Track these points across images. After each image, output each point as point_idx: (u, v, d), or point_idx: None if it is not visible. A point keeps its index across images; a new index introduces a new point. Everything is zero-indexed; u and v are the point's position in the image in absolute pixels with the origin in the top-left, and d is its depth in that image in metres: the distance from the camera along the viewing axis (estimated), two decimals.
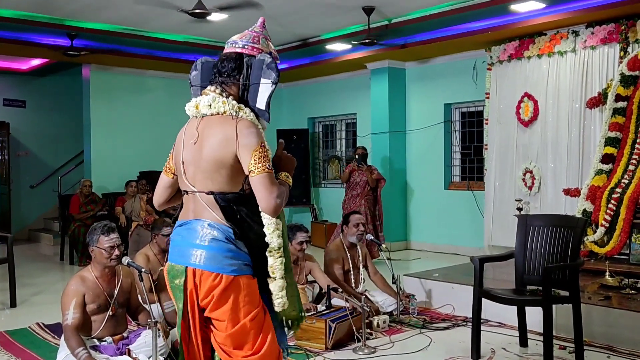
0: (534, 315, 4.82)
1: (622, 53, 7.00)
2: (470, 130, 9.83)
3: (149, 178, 10.00)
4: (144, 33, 9.00)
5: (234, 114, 2.51)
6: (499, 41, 8.37)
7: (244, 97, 2.58)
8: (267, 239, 2.50)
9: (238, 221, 2.49)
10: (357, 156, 8.89)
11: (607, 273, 5.65)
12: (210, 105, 2.53)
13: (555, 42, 7.72)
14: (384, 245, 6.15)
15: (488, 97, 8.58)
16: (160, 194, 2.79)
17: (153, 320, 3.99)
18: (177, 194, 2.78)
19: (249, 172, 2.43)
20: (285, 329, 2.66)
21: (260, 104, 2.54)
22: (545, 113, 7.83)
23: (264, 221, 2.49)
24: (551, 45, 7.76)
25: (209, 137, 2.50)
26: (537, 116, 7.91)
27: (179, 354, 2.59)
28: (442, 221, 9.87)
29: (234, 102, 2.53)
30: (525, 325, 4.82)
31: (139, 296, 4.49)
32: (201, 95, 2.62)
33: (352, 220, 5.66)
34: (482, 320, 4.68)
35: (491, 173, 8.52)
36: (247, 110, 2.54)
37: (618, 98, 6.63)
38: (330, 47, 9.55)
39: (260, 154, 2.42)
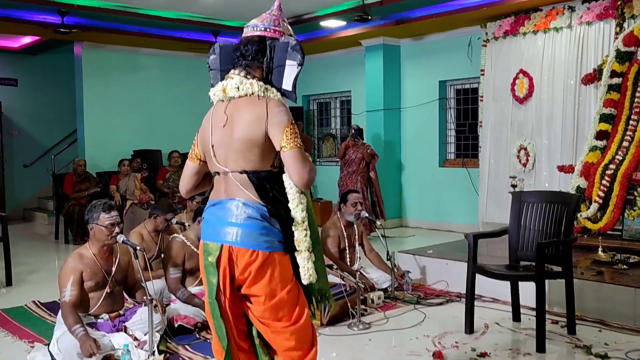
0: (527, 291, 4.85)
1: (617, 29, 6.97)
2: (465, 107, 9.82)
3: (143, 156, 9.98)
4: (137, 10, 8.89)
5: (262, 94, 2.58)
6: (494, 17, 8.32)
7: (268, 79, 2.65)
8: (292, 214, 2.59)
9: (271, 199, 2.57)
10: (353, 131, 8.88)
11: (600, 249, 5.69)
12: (238, 88, 2.60)
13: (550, 18, 7.69)
14: (378, 222, 6.16)
15: (483, 74, 8.56)
16: (187, 181, 2.85)
17: (149, 298, 4.01)
18: (203, 180, 2.86)
19: (281, 147, 2.51)
20: (315, 304, 2.74)
21: (287, 85, 2.62)
22: (540, 90, 7.82)
23: (289, 196, 2.58)
24: (547, 21, 7.72)
25: (239, 118, 2.58)
26: (532, 93, 7.89)
27: (218, 327, 2.63)
28: (436, 198, 9.89)
29: (261, 83, 2.61)
30: (518, 301, 4.86)
31: (136, 274, 4.51)
32: (225, 79, 2.68)
33: (350, 199, 5.66)
34: (475, 296, 4.72)
35: (486, 150, 8.52)
36: (274, 90, 2.62)
37: (613, 74, 6.62)
38: (324, 23, 9.48)
39: (291, 131, 2.52)
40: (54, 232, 9.55)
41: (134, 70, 10.87)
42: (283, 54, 2.61)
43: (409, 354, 4.20)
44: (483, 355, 4.11)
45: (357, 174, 8.74)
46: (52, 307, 5.35)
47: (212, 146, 2.65)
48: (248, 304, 2.64)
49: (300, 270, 2.62)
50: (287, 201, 2.60)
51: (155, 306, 4.16)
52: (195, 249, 5.00)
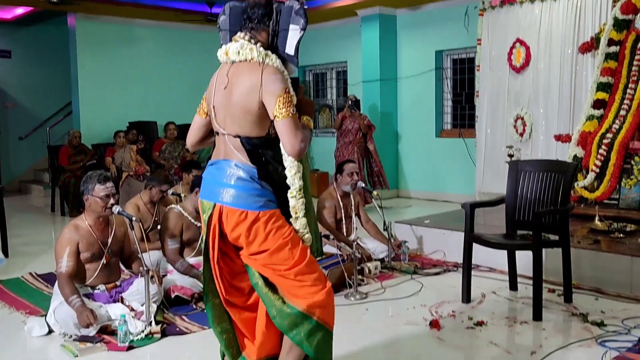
0: (524, 260, 4.86)
1: None
2: (461, 77, 9.75)
3: (139, 128, 9.92)
4: None
5: (261, 60, 2.59)
6: None
7: (274, 43, 2.68)
8: (288, 181, 2.64)
9: (263, 163, 2.63)
10: (350, 102, 8.82)
11: (597, 218, 5.70)
12: (239, 52, 2.63)
13: None
14: (375, 192, 6.15)
15: (480, 44, 8.46)
16: (193, 134, 2.90)
17: (145, 268, 4.01)
18: (209, 134, 2.89)
19: (274, 117, 2.54)
20: None
21: (290, 49, 2.64)
22: (537, 59, 7.75)
23: (286, 164, 2.63)
24: None
25: (237, 83, 2.62)
26: (529, 62, 7.82)
27: (208, 280, 2.74)
28: (433, 169, 9.88)
29: (262, 49, 2.62)
30: (515, 270, 4.88)
31: (132, 245, 4.49)
32: (231, 41, 2.70)
33: (346, 169, 5.63)
34: (472, 266, 4.72)
35: (482, 120, 8.47)
36: (273, 57, 2.62)
37: (610, 42, 6.56)
38: None
39: (284, 100, 2.53)
40: (50, 204, 9.54)
41: (129, 41, 10.75)
42: (287, 18, 2.63)
43: (406, 324, 4.21)
44: (480, 324, 4.13)
45: (353, 144, 8.71)
46: (49, 279, 5.35)
47: (214, 107, 2.71)
48: (251, 257, 2.68)
49: (299, 236, 2.69)
50: (282, 166, 2.64)
51: (152, 277, 4.16)
52: (193, 220, 4.99)
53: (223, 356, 2.88)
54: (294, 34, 2.63)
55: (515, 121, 7.99)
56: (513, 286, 4.89)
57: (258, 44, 2.63)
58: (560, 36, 7.47)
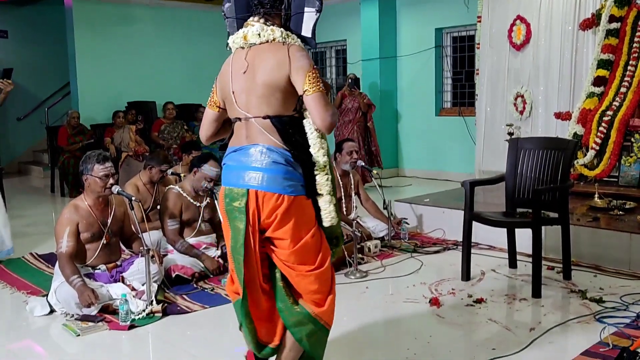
0: (524, 238, 4.87)
1: None
2: (461, 55, 9.70)
3: (138, 108, 9.88)
4: None
5: (284, 40, 2.61)
6: None
7: (287, 26, 2.69)
8: (314, 158, 2.63)
9: (294, 143, 2.61)
10: (349, 80, 8.78)
11: (597, 195, 5.70)
12: (260, 35, 2.62)
13: None
14: (375, 171, 6.14)
15: (480, 21, 8.40)
16: (207, 128, 2.88)
17: (145, 248, 4.01)
18: (223, 127, 2.89)
19: (304, 91, 2.54)
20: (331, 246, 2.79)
21: (306, 31, 2.68)
22: (538, 36, 7.70)
23: (310, 141, 2.63)
24: None
25: (260, 63, 2.60)
26: (530, 39, 7.77)
27: (239, 270, 2.68)
28: (433, 147, 9.87)
29: (282, 29, 2.64)
30: (514, 247, 4.89)
31: (133, 225, 4.50)
32: (244, 26, 2.69)
33: (345, 148, 5.62)
34: (472, 244, 4.73)
35: (482, 98, 8.44)
36: (294, 36, 2.66)
37: (612, 19, 6.51)
38: None
39: (314, 75, 2.55)
40: (50, 185, 9.53)
41: (126, 21, 10.66)
42: (301, 1, 2.67)
43: (405, 301, 4.23)
44: (479, 301, 4.15)
45: (353, 123, 8.69)
46: (50, 259, 5.36)
47: (233, 92, 2.68)
48: (273, 247, 2.68)
49: (322, 213, 2.68)
50: (308, 146, 2.64)
51: (152, 257, 4.17)
52: (192, 200, 4.99)
53: (240, 326, 2.87)
54: (309, 16, 2.66)
55: (515, 99, 7.96)
56: (512, 264, 4.91)
57: (275, 26, 2.64)
58: (561, 13, 7.42)
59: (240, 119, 2.68)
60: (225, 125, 2.87)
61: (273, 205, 2.58)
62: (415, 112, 10.07)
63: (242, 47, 2.69)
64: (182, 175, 5.82)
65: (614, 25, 6.48)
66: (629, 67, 6.32)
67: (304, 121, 2.64)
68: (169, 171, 5.96)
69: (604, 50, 6.53)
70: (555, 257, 4.91)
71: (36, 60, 12.12)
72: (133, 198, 4.19)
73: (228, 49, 2.77)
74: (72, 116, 9.10)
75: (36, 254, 5.65)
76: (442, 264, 5.12)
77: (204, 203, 5.07)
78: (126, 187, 5.32)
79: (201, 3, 10.75)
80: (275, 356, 2.86)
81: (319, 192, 2.66)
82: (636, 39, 6.33)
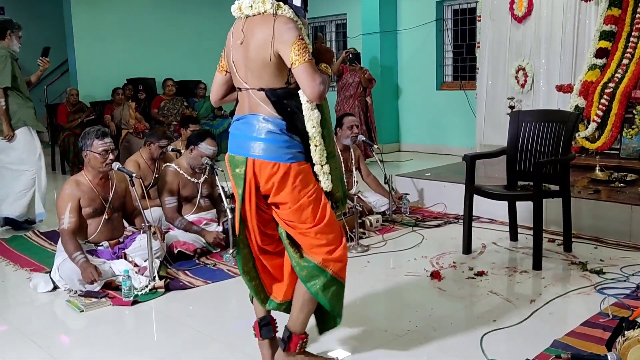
0: (525, 210, 4.88)
1: None
2: (462, 28, 9.62)
3: (137, 85, 9.84)
4: None
5: (274, 12, 2.64)
6: None
7: None
8: (307, 129, 2.70)
9: (289, 114, 2.68)
10: (349, 55, 8.70)
11: (598, 168, 5.69)
12: (252, 6, 2.67)
13: None
14: (375, 146, 6.13)
15: None
16: (216, 91, 2.96)
17: (147, 225, 4.02)
18: (232, 90, 2.94)
19: (291, 63, 2.57)
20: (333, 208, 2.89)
21: (296, 0, 2.69)
22: (540, 8, 7.61)
23: (304, 112, 2.68)
24: None
25: (252, 37, 2.66)
26: (531, 11, 7.69)
27: (240, 231, 2.83)
28: (434, 122, 9.83)
29: (273, 0, 2.66)
30: (515, 220, 4.90)
31: (134, 202, 4.50)
32: None
33: (345, 123, 5.60)
34: (473, 217, 4.74)
35: (483, 72, 8.38)
36: (285, 7, 2.67)
37: None
38: None
39: (299, 46, 2.56)
40: (51, 163, 9.53)
41: None
42: None
43: (407, 275, 4.25)
44: (480, 274, 4.16)
45: (354, 98, 8.65)
46: (52, 236, 5.38)
47: (234, 62, 2.75)
48: (275, 209, 2.79)
49: (320, 178, 2.77)
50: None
51: (154, 233, 4.18)
52: (189, 177, 4.99)
53: (252, 299, 3.00)
54: None
55: (517, 72, 7.90)
56: (513, 237, 4.92)
57: None
58: None
59: (241, 89, 2.76)
60: (234, 89, 2.93)
61: (269, 173, 2.68)
62: (416, 86, 10.02)
63: (241, 17, 2.74)
64: (182, 151, 5.82)
65: None
66: (631, 39, 6.26)
67: (299, 92, 2.67)
68: (170, 147, 5.95)
69: (606, 21, 6.47)
70: (556, 230, 4.92)
71: (33, 37, 11.95)
72: (134, 175, 4.19)
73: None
74: (71, 93, 9.07)
75: (38, 231, 5.67)
76: (443, 237, 5.13)
77: (202, 179, 5.07)
78: (127, 164, 5.32)
79: None
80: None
81: (315, 161, 2.73)
82: (639, 10, 6.26)
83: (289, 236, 2.80)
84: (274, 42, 2.59)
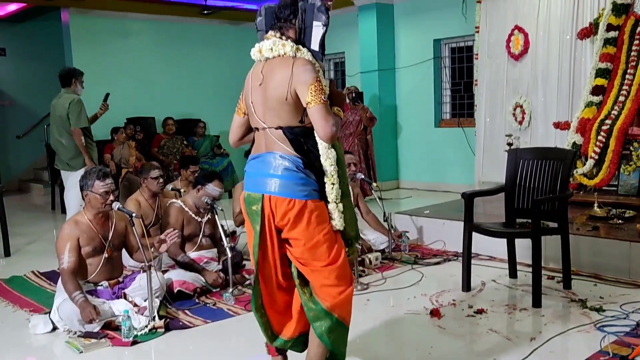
0: (524, 248, 4.89)
1: None
2: (460, 66, 9.74)
3: (137, 124, 9.91)
4: None
5: (293, 54, 2.76)
6: None
7: (301, 39, 2.83)
8: (323, 167, 2.81)
9: (305, 152, 2.79)
10: (353, 94, 8.77)
11: (596, 204, 5.71)
12: (272, 49, 2.79)
13: None
14: (375, 184, 6.16)
15: (478, 31, 8.45)
16: (235, 133, 3.07)
17: (147, 264, 4.02)
18: (250, 130, 3.04)
19: (307, 103, 2.69)
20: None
21: (314, 45, 2.81)
22: (536, 46, 7.74)
23: (320, 151, 2.80)
24: None
25: (271, 77, 2.78)
26: (528, 49, 7.81)
27: (255, 268, 2.89)
28: (432, 159, 9.88)
29: (293, 43, 2.78)
30: (514, 258, 4.90)
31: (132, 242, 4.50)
32: (263, 40, 2.87)
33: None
34: (472, 255, 4.74)
35: (481, 109, 8.47)
36: (304, 50, 2.79)
37: (609, 28, 6.54)
38: None
39: (316, 87, 2.68)
40: (50, 202, 9.56)
41: (123, 36, 10.72)
42: (310, 15, 2.80)
43: (407, 313, 4.24)
44: (480, 311, 4.15)
45: (354, 136, 8.71)
46: (52, 277, 5.37)
47: (252, 103, 2.86)
48: (288, 246, 2.86)
49: (332, 219, 2.84)
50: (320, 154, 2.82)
51: (151, 266, 4.13)
52: (193, 215, 5.02)
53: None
54: (317, 30, 2.79)
55: (515, 109, 7.99)
56: (513, 274, 4.92)
57: (288, 40, 2.79)
58: (559, 22, 7.46)
59: (258, 129, 2.87)
60: (251, 130, 3.03)
61: (285, 209, 2.76)
62: (415, 123, 10.10)
63: (260, 60, 2.87)
64: (182, 190, 5.84)
65: (612, 34, 6.52)
66: (627, 76, 6.34)
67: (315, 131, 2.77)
68: (169, 186, 5.98)
69: (602, 59, 6.56)
70: (555, 267, 4.92)
71: (34, 77, 12.15)
72: (133, 214, 4.21)
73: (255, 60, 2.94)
74: None
75: (38, 271, 5.66)
76: (442, 275, 5.13)
77: (205, 218, 5.10)
78: (128, 203, 5.35)
79: (198, 17, 10.80)
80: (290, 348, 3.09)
81: (329, 198, 2.81)
82: (634, 48, 6.35)
83: (299, 275, 2.86)
84: (292, 81, 2.70)
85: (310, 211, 2.76)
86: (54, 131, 6.42)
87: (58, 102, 6.39)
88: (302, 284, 2.87)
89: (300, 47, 2.78)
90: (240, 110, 3.01)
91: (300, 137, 2.78)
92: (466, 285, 4.64)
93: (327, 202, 2.82)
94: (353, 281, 2.91)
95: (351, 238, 2.95)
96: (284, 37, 2.80)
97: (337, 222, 2.83)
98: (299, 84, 2.69)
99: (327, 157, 2.79)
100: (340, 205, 2.83)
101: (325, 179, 2.81)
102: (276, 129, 2.78)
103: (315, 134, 2.76)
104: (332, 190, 2.80)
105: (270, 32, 2.85)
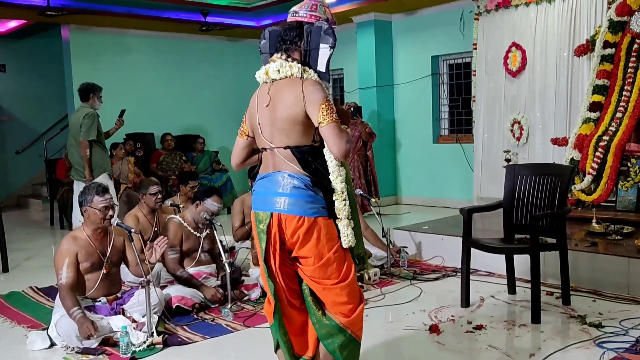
0: (522, 263, 4.88)
1: None
2: (458, 82, 9.79)
3: (136, 140, 9.93)
4: None
5: (301, 75, 2.83)
6: None
7: (306, 61, 2.90)
8: (332, 185, 2.86)
9: (313, 170, 2.84)
10: (351, 109, 8.81)
11: (594, 220, 5.72)
12: (279, 70, 2.85)
13: None
14: (373, 200, 6.17)
15: (475, 48, 8.50)
16: (238, 155, 3.12)
17: (145, 280, 4.02)
18: (251, 153, 3.12)
19: (319, 123, 2.74)
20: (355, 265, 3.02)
21: (321, 66, 2.88)
22: (533, 63, 7.78)
23: (329, 169, 2.85)
24: None
25: (280, 98, 2.83)
26: (525, 66, 7.85)
27: (269, 286, 2.91)
28: (431, 175, 9.90)
29: (299, 65, 2.85)
30: (513, 273, 4.89)
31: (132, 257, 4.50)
32: (269, 62, 2.93)
33: None
34: (471, 270, 4.73)
35: (479, 125, 8.50)
36: (311, 71, 2.87)
37: (606, 45, 6.59)
38: None
39: (327, 107, 2.75)
40: (49, 218, 9.55)
41: (123, 52, 10.76)
42: (317, 38, 2.86)
43: (405, 329, 4.23)
44: (479, 327, 4.14)
45: (353, 152, 8.72)
46: (50, 292, 5.36)
47: (259, 124, 2.90)
48: (299, 265, 2.90)
49: (341, 235, 2.88)
50: (328, 172, 2.86)
51: (149, 282, 4.12)
52: (192, 230, 5.02)
53: (276, 349, 3.09)
54: (324, 52, 2.85)
55: (512, 125, 8.01)
56: (511, 289, 4.91)
57: (295, 62, 2.86)
58: (556, 39, 7.50)
59: (266, 149, 2.91)
60: (254, 152, 3.10)
61: (295, 227, 2.80)
62: (413, 139, 10.13)
63: (266, 82, 2.89)
64: (181, 206, 5.85)
65: (609, 50, 6.56)
66: (624, 92, 6.37)
67: (324, 150, 2.84)
68: (168, 202, 5.98)
69: (599, 75, 6.60)
70: (554, 283, 4.92)
71: (34, 93, 12.19)
72: (132, 230, 4.21)
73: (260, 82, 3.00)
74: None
75: (36, 287, 5.64)
76: (441, 291, 5.12)
77: (204, 234, 5.10)
78: (126, 219, 5.35)
79: (197, 33, 10.86)
80: None
81: (338, 216, 2.86)
82: (630, 64, 6.39)
83: (311, 293, 2.90)
84: (304, 101, 2.76)
85: (319, 229, 2.80)
86: (71, 142, 6.78)
87: (75, 115, 6.79)
88: (314, 301, 2.91)
89: (307, 68, 2.85)
90: (243, 132, 3.05)
91: (308, 156, 2.83)
92: (465, 301, 4.63)
93: (335, 219, 2.86)
94: (364, 298, 2.96)
95: (359, 255, 3.01)
96: (289, 59, 2.86)
97: (349, 239, 2.86)
98: (310, 104, 2.75)
99: (338, 175, 2.84)
100: (352, 222, 2.88)
101: (335, 197, 2.85)
102: (284, 148, 2.83)
103: (325, 152, 2.83)
104: (344, 207, 2.85)
105: (276, 55, 2.90)
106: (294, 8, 2.98)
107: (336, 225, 2.87)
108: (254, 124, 2.94)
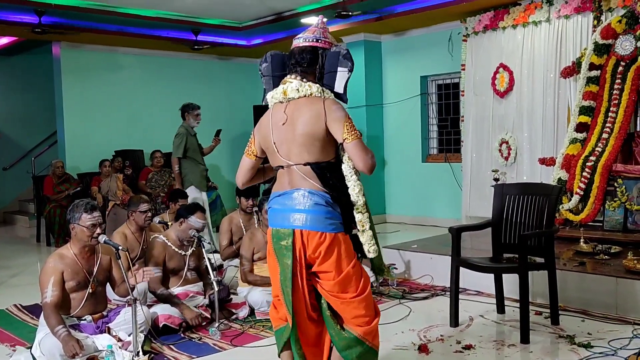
0: (511, 283, 4.89)
1: (595, 22, 7.01)
2: (446, 102, 9.85)
3: (125, 157, 9.90)
4: (115, 9, 8.78)
5: (320, 94, 2.93)
6: (474, 12, 8.35)
7: (320, 82, 3.01)
8: (353, 199, 2.95)
9: (332, 186, 2.92)
10: None
11: (582, 240, 5.74)
12: (298, 90, 2.94)
13: (529, 12, 7.72)
14: None
15: (464, 69, 8.58)
16: (243, 175, 3.18)
17: (132, 298, 3.98)
18: (257, 173, 3.20)
19: (344, 139, 2.85)
20: (376, 275, 3.20)
21: (339, 88, 2.99)
22: (521, 83, 7.85)
23: (350, 183, 2.94)
24: (526, 16, 7.76)
25: (300, 116, 2.91)
26: (513, 87, 7.93)
27: (287, 302, 2.96)
28: (420, 194, 9.91)
29: (318, 85, 2.96)
30: (502, 293, 4.89)
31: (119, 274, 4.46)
32: (282, 83, 3.02)
33: None
34: (460, 289, 4.74)
35: (468, 145, 8.55)
36: (328, 91, 2.97)
37: (592, 67, 6.66)
38: (305, 20, 9.45)
39: (350, 124, 2.87)
40: (36, 234, 9.46)
41: (114, 70, 10.76)
42: (334, 61, 2.97)
43: (395, 348, 4.21)
44: (468, 347, 4.13)
45: None
46: (34, 310, 5.29)
47: (275, 143, 2.97)
48: (318, 280, 2.96)
49: (365, 246, 2.99)
50: (345, 188, 2.94)
51: (136, 300, 4.08)
52: (176, 249, 4.98)
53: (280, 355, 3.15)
54: (342, 74, 2.96)
55: (500, 145, 8.06)
56: (500, 309, 4.91)
57: (310, 82, 2.96)
58: (543, 61, 7.59)
59: (282, 167, 2.97)
60: (259, 172, 3.21)
61: (317, 242, 2.88)
62: (402, 158, 10.16)
63: (281, 102, 3.00)
64: (170, 223, 5.82)
65: (594, 72, 6.63)
66: (609, 114, 6.44)
67: (343, 166, 2.92)
68: (157, 219, 5.95)
69: (585, 97, 6.67)
70: (542, 302, 4.92)
71: (23, 110, 12.15)
72: (120, 247, 4.17)
73: (265, 103, 3.10)
74: (57, 166, 9.08)
75: (20, 305, 5.58)
76: (430, 310, 5.11)
77: (189, 251, 5.06)
78: (114, 236, 5.31)
79: (188, 52, 10.88)
80: None
81: (362, 228, 2.94)
82: (616, 86, 6.47)
83: (329, 307, 2.96)
84: (325, 118, 2.86)
85: (339, 244, 2.89)
86: None
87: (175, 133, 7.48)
88: (332, 316, 2.97)
89: (325, 88, 2.95)
90: (251, 153, 3.11)
91: (327, 172, 2.91)
92: (454, 321, 4.62)
93: (356, 231, 2.96)
94: (379, 310, 3.03)
95: (377, 266, 3.12)
96: (305, 80, 2.96)
97: (372, 249, 2.98)
98: (333, 122, 2.85)
99: (360, 189, 2.93)
100: (370, 232, 2.98)
101: (357, 210, 2.94)
102: (304, 165, 2.90)
103: (344, 168, 2.92)
104: (367, 220, 2.95)
105: (291, 76, 3.00)
106: (305, 34, 3.08)
107: (352, 239, 2.96)
108: (267, 143, 3.00)
